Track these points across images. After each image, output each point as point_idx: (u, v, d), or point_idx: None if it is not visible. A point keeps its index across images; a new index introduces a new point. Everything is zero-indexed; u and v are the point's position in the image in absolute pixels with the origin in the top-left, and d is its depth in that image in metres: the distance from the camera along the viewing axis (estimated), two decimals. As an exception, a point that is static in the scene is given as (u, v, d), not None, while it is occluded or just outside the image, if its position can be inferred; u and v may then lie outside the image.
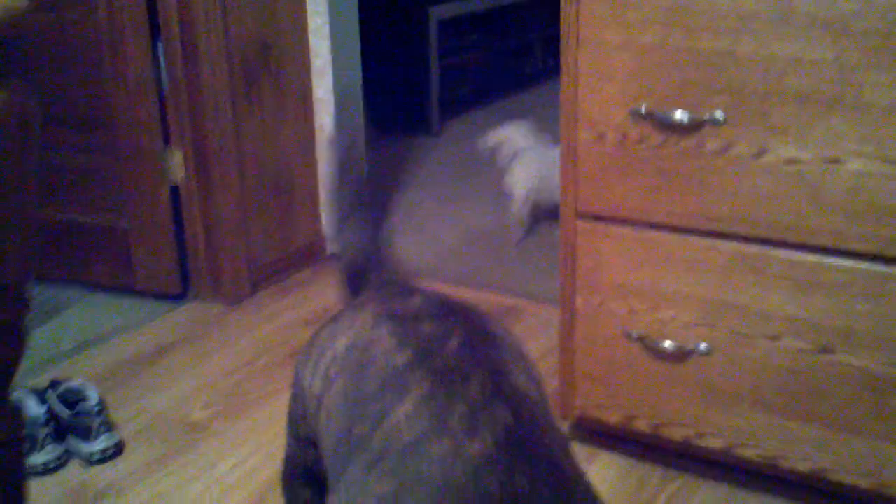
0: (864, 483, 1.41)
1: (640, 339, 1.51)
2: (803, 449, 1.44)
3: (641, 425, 1.56)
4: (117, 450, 1.71)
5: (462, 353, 0.80)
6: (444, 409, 0.73)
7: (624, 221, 1.50)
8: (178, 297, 2.35)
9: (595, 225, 1.53)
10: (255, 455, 1.70)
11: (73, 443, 1.72)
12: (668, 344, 1.49)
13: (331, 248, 2.59)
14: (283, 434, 1.71)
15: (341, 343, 0.88)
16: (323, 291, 2.42)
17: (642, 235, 1.49)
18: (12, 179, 0.58)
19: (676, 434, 1.54)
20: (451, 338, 0.82)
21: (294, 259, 2.51)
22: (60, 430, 1.72)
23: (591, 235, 1.53)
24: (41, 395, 1.76)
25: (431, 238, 2.73)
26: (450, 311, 0.89)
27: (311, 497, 0.98)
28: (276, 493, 1.56)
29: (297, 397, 0.95)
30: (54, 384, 1.80)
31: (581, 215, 1.53)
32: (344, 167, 1.14)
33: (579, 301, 1.56)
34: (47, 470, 1.67)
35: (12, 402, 0.71)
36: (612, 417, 1.59)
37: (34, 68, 0.61)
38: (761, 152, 1.36)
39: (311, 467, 0.95)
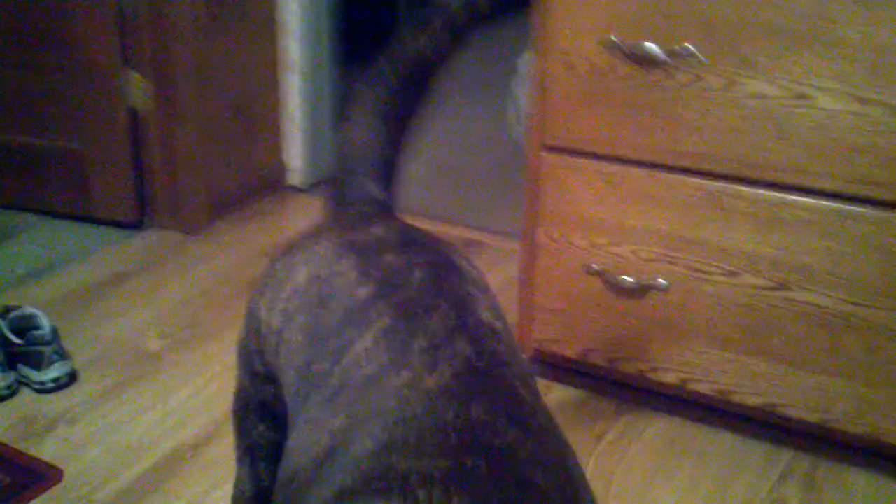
0: (812, 417, 1.43)
1: (600, 273, 1.51)
2: (756, 384, 1.45)
3: (597, 359, 1.57)
4: (70, 379, 1.69)
5: (425, 285, 0.78)
6: (403, 342, 0.71)
7: (590, 155, 1.48)
8: (135, 225, 2.31)
9: (561, 158, 1.51)
10: (209, 385, 1.69)
11: (24, 371, 1.69)
12: (627, 279, 1.48)
13: (292, 178, 2.55)
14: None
15: (301, 275, 0.85)
16: (283, 222, 2.39)
17: (608, 169, 1.47)
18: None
19: (631, 368, 1.55)
20: (415, 269, 0.80)
21: (254, 189, 2.47)
22: (11, 358, 1.69)
23: (557, 168, 1.51)
24: (-9, 322, 1.73)
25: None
26: (413, 242, 0.86)
27: (263, 431, 0.95)
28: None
29: (252, 331, 0.92)
30: (5, 311, 1.76)
31: (547, 147, 1.51)
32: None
33: (541, 234, 1.55)
34: (-3, 397, 1.64)
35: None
36: (569, 351, 1.59)
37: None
38: (730, 85, 1.33)
39: (267, 403, 0.93)
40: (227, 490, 1.03)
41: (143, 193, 2.31)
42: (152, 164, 2.29)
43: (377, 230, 0.88)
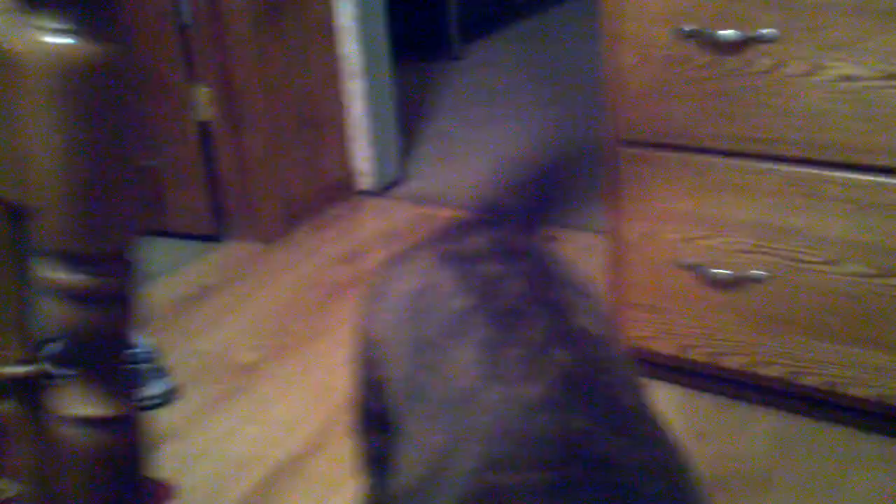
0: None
1: (693, 267, 1.50)
2: (866, 375, 1.43)
3: (696, 355, 1.56)
4: (171, 395, 1.73)
5: (523, 294, 0.78)
6: (499, 354, 0.71)
7: (671, 147, 1.47)
8: (213, 237, 2.35)
9: (641, 151, 1.50)
10: (307, 395, 1.72)
11: (126, 389, 1.74)
12: (721, 272, 1.48)
13: (362, 183, 2.57)
14: (333, 372, 1.73)
15: (403, 287, 0.87)
16: (357, 227, 2.41)
17: (692, 160, 1.46)
18: (109, 135, 0.55)
19: (733, 362, 1.53)
20: (513, 279, 0.80)
21: (326, 195, 2.50)
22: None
23: (637, 162, 1.50)
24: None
25: (460, 165, 2.70)
26: (512, 251, 0.86)
27: (382, 444, 0.97)
28: (334, 433, 1.58)
29: (365, 342, 0.93)
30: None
31: (625, 142, 1.50)
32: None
33: (626, 230, 1.54)
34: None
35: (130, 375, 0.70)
36: (666, 348, 1.58)
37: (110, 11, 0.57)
38: (815, 69, 1.31)
39: (384, 414, 0.94)
40: (336, 502, 1.04)
41: (217, 205, 2.35)
42: (225, 175, 2.33)
43: (477, 240, 0.88)
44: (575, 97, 3.05)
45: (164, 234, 2.35)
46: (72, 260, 0.55)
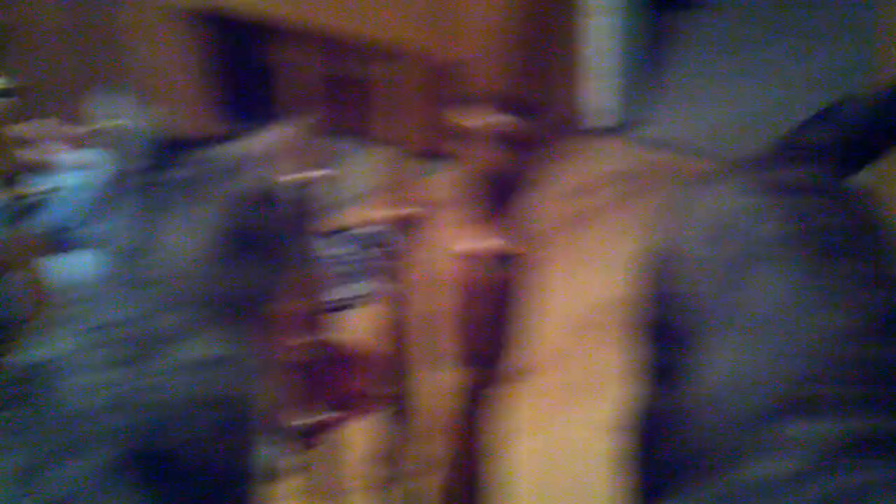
0: None
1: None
2: None
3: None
4: (365, 299, 1.77)
5: (839, 231, 0.78)
6: (813, 283, 0.72)
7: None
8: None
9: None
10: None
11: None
12: None
13: (597, 119, 2.57)
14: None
15: (712, 206, 0.87)
16: (590, 164, 2.42)
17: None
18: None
19: None
20: (829, 214, 0.80)
21: (558, 130, 2.51)
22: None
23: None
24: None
25: (703, 113, 2.64)
26: (828, 188, 0.86)
27: (665, 353, 0.94)
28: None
29: (664, 255, 0.93)
30: (346, 228, 1.91)
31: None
32: None
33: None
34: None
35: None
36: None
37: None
38: None
39: (671, 326, 0.92)
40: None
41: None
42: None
43: (795, 173, 0.87)
44: (834, 51, 2.88)
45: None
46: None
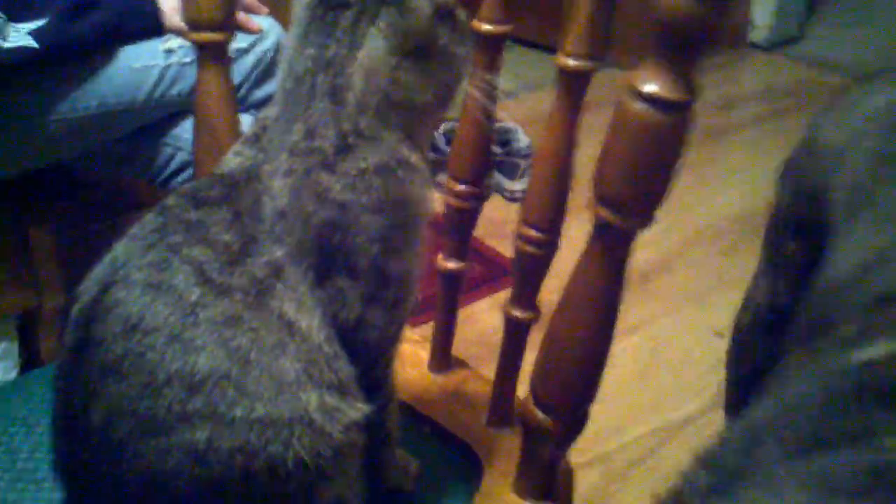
0: None
1: None
2: None
3: None
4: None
5: None
6: None
7: None
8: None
9: None
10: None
11: (498, 178, 1.91)
12: None
13: (755, 35, 2.50)
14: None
15: (880, 100, 0.86)
16: (743, 78, 2.37)
17: None
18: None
19: None
20: None
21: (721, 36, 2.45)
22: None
23: None
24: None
25: (864, 34, 2.51)
26: None
27: (793, 250, 0.94)
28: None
29: (807, 151, 0.91)
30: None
31: None
32: None
33: None
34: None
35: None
36: None
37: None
38: None
39: (804, 223, 0.92)
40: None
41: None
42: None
43: None
44: None
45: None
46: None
